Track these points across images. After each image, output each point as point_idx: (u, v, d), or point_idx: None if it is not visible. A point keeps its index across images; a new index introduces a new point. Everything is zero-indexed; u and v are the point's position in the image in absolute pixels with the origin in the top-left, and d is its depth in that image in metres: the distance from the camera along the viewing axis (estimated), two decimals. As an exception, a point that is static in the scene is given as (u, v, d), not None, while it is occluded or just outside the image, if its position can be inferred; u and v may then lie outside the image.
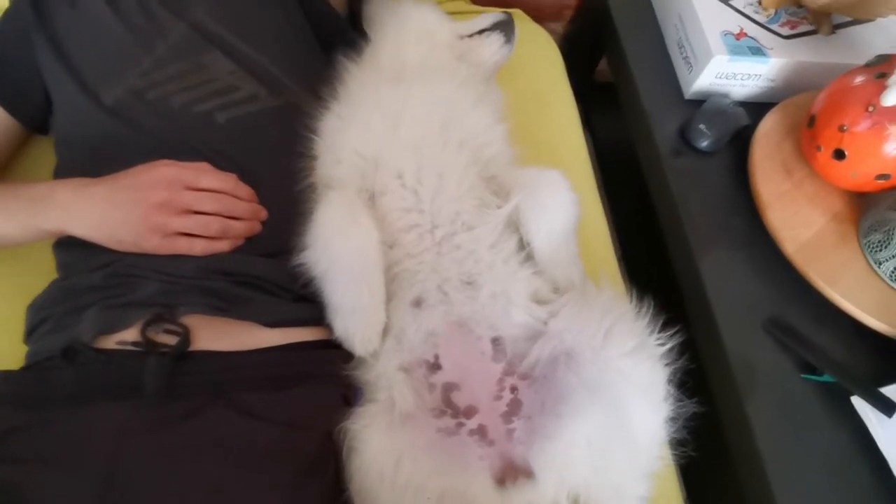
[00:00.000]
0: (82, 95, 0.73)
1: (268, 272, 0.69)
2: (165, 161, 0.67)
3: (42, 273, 0.71)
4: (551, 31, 1.20)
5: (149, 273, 0.66)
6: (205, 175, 0.68)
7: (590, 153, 1.04)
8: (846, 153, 0.75)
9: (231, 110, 0.74)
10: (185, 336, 0.63)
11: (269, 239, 0.71)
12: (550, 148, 0.98)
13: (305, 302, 0.70)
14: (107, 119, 0.72)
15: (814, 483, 0.69)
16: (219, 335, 0.65)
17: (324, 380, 0.68)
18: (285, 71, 0.79)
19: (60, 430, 0.59)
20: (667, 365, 0.66)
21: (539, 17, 1.19)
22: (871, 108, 0.71)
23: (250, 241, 0.70)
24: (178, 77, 0.74)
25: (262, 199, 0.72)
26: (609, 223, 0.97)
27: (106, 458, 0.56)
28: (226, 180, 0.69)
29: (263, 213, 0.71)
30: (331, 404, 0.67)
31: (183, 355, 0.62)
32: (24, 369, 0.66)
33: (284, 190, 0.73)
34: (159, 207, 0.64)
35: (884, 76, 0.72)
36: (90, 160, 0.71)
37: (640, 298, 0.69)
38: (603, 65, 1.30)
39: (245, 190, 0.70)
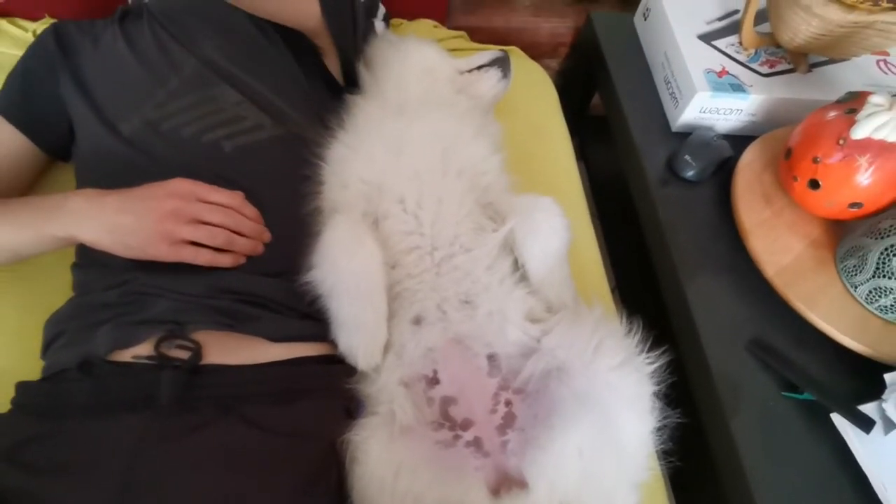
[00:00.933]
0: (102, 127, 0.77)
1: (273, 291, 0.72)
2: (180, 178, 0.71)
3: (61, 291, 0.75)
4: (547, 68, 1.26)
5: (161, 291, 0.69)
6: (215, 191, 0.71)
7: (585, 184, 1.09)
8: (821, 183, 0.80)
9: (237, 139, 0.78)
10: (198, 351, 0.66)
11: (273, 259, 0.74)
12: (546, 178, 1.03)
13: (310, 319, 0.73)
14: (124, 149, 0.76)
15: (797, 497, 0.72)
16: (228, 350, 0.68)
17: (328, 393, 0.71)
18: (289, 104, 0.83)
19: (78, 439, 0.61)
20: (653, 378, 0.69)
21: (535, 54, 1.26)
22: (842, 141, 0.76)
23: (256, 261, 0.73)
24: (189, 108, 0.78)
25: (267, 222, 0.75)
26: (603, 251, 1.01)
27: (122, 467, 0.58)
28: (234, 197, 0.72)
29: (267, 235, 0.74)
30: (334, 416, 0.70)
31: (195, 369, 0.65)
32: (42, 381, 0.68)
33: (288, 213, 0.77)
34: (170, 215, 0.67)
35: (854, 111, 0.77)
36: (107, 187, 0.74)
37: (630, 320, 0.72)
38: (597, 99, 1.36)
39: (251, 210, 0.74)
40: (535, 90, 1.18)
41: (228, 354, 0.68)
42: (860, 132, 0.75)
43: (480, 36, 1.23)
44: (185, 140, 0.77)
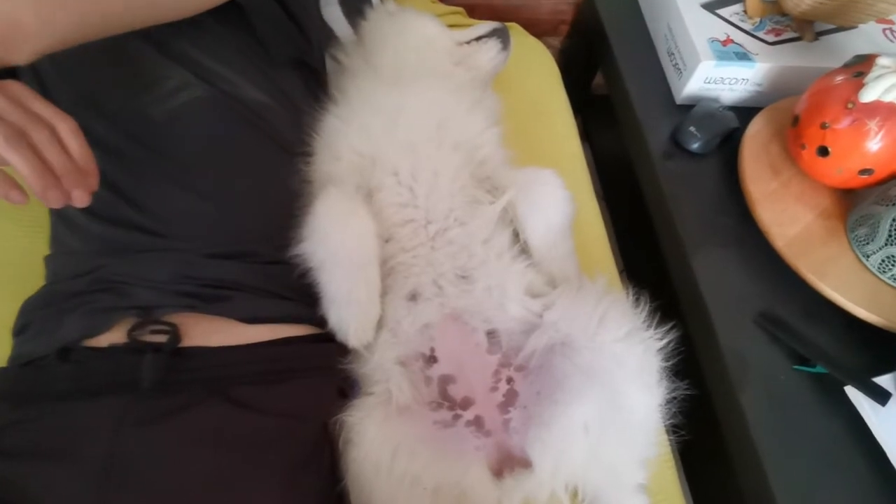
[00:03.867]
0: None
1: (239, 274, 0.71)
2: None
3: (40, 279, 0.74)
4: (549, 46, 1.26)
5: (129, 279, 0.68)
6: (47, 106, 0.56)
7: (589, 165, 1.09)
8: (830, 150, 0.80)
9: (164, 104, 0.73)
10: (175, 332, 0.65)
11: (231, 238, 0.72)
12: (548, 156, 1.02)
13: (287, 300, 0.72)
14: None
15: (810, 472, 0.72)
16: (208, 332, 0.67)
17: (319, 372, 0.71)
18: (213, 58, 0.76)
19: (58, 424, 0.61)
20: (660, 350, 0.69)
21: (536, 32, 1.26)
22: (850, 105, 0.77)
23: (212, 241, 0.71)
24: (108, 72, 0.73)
25: (219, 199, 0.73)
26: (609, 233, 1.01)
27: (103, 450, 0.58)
28: (65, 121, 0.57)
29: (93, 180, 0.58)
30: (326, 396, 0.70)
31: (177, 351, 0.65)
32: (21, 366, 0.67)
33: (240, 186, 0.74)
34: None
35: (861, 74, 0.77)
36: None
37: (637, 295, 0.73)
38: (600, 79, 1.36)
39: (80, 144, 0.57)
40: (536, 67, 1.18)
41: (209, 336, 0.67)
42: (869, 95, 0.75)
43: (479, 12, 1.24)
44: (114, 112, 0.72)
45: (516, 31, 1.21)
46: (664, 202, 0.92)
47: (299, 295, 0.72)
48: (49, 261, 0.75)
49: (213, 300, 0.68)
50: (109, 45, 0.70)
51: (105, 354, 0.65)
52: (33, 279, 0.74)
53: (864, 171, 0.80)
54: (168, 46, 0.74)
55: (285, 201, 0.76)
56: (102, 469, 0.58)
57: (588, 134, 1.46)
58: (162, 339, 0.65)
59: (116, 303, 0.67)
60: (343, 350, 0.72)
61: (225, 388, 0.65)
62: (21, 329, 0.70)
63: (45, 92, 0.75)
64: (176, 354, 0.65)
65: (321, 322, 0.72)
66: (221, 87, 0.75)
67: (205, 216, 0.72)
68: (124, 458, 0.58)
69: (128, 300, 0.67)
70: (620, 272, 0.98)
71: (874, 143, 0.77)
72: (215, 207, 0.73)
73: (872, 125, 0.76)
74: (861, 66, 0.79)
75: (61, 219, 0.75)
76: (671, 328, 0.71)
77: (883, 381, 0.73)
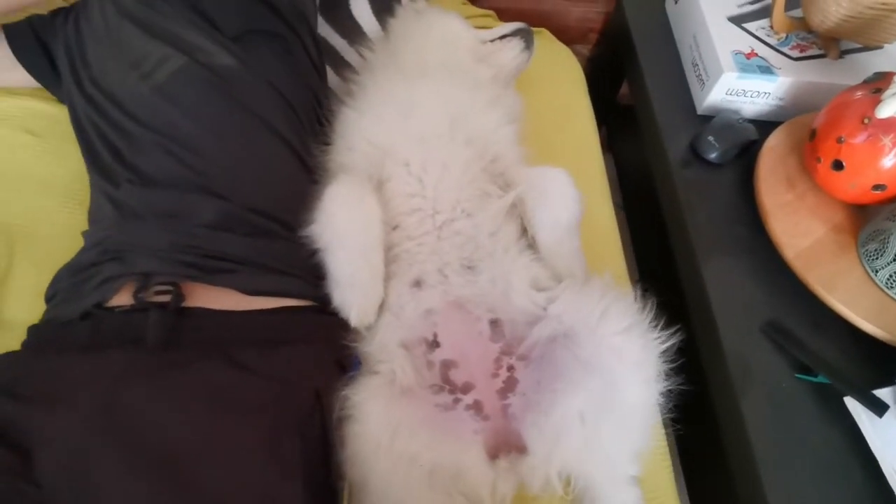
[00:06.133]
0: (73, 86, 0.82)
1: (243, 250, 0.75)
2: None
3: (74, 251, 0.79)
4: (577, 54, 1.30)
5: (131, 248, 0.73)
6: None
7: (612, 176, 1.12)
8: (844, 164, 0.82)
9: (150, 79, 0.78)
10: (178, 291, 0.70)
11: (229, 208, 0.75)
12: (566, 158, 1.04)
13: (291, 276, 0.76)
14: (86, 106, 0.81)
15: (805, 479, 0.73)
16: (211, 297, 0.72)
17: (317, 342, 0.74)
18: (191, 27, 0.81)
19: (67, 373, 0.66)
20: (664, 350, 0.71)
21: (565, 39, 1.30)
22: (866, 121, 0.79)
23: (210, 211, 0.75)
24: (108, 56, 0.80)
25: (207, 168, 0.76)
26: (626, 243, 1.03)
27: (104, 398, 0.63)
28: None
29: None
30: (322, 365, 0.73)
31: (182, 311, 0.70)
32: (48, 321, 0.74)
33: (224, 156, 0.78)
34: None
35: (880, 91, 0.79)
36: (86, 148, 0.82)
37: (644, 296, 0.74)
38: (625, 88, 1.39)
39: None
40: (562, 72, 1.22)
41: (213, 300, 0.72)
42: (885, 111, 0.77)
43: (508, 17, 1.26)
44: (115, 92, 0.79)
45: (545, 37, 1.25)
46: (679, 208, 0.94)
47: (304, 273, 0.76)
48: (85, 235, 0.81)
49: (215, 272, 0.73)
50: (110, 31, 0.79)
51: (116, 314, 0.70)
52: (73, 253, 0.79)
53: (877, 187, 0.82)
54: (150, 25, 0.81)
55: (276, 176, 0.81)
56: (101, 415, 0.62)
57: (612, 144, 1.48)
58: (166, 298, 0.70)
59: (120, 270, 0.72)
60: (345, 325, 0.75)
61: (225, 349, 0.69)
62: (51, 297, 0.77)
63: (77, 79, 0.83)
64: (180, 314, 0.69)
65: (325, 300, 0.76)
66: (197, 57, 0.80)
67: (190, 181, 0.77)
68: (122, 407, 0.63)
69: (130, 267, 0.72)
70: (636, 282, 1.00)
71: (888, 160, 0.78)
72: (199, 175, 0.77)
73: (887, 141, 0.78)
74: (879, 83, 0.81)
75: (96, 189, 0.82)
76: (677, 330, 0.73)
77: (882, 393, 0.75)
